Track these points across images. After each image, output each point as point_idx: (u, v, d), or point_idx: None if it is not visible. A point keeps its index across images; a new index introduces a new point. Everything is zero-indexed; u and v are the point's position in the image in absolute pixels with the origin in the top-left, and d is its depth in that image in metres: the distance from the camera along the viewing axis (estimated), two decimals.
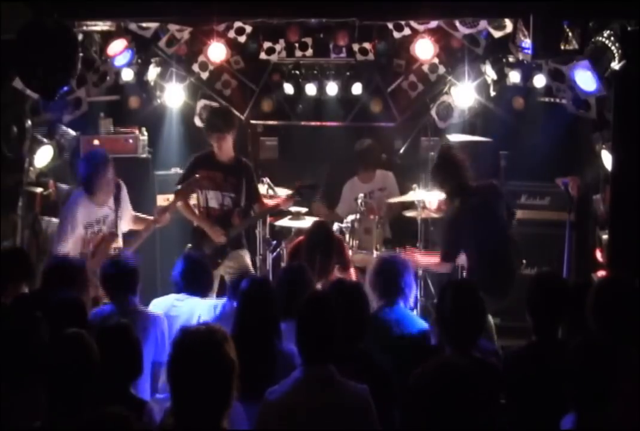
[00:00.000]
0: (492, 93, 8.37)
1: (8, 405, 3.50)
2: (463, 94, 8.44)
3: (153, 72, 8.31)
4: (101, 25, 6.73)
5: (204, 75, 8.74)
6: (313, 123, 9.28)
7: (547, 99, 7.96)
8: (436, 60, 8.46)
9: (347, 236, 7.22)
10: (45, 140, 6.85)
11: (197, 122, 8.84)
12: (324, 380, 3.57)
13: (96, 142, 7.87)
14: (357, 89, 8.85)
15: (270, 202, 7.00)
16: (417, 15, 6.78)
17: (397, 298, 4.87)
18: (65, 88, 6.11)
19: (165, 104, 8.76)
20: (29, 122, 6.54)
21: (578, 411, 3.32)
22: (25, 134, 6.50)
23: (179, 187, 6.72)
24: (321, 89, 8.91)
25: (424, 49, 7.87)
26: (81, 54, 6.01)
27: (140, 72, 8.14)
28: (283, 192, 7.72)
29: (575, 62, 6.32)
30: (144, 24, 7.18)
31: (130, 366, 3.80)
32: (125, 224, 6.46)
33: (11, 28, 5.62)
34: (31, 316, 3.80)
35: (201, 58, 8.53)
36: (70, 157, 7.31)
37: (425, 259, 6.48)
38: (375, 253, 7.29)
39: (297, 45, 8.50)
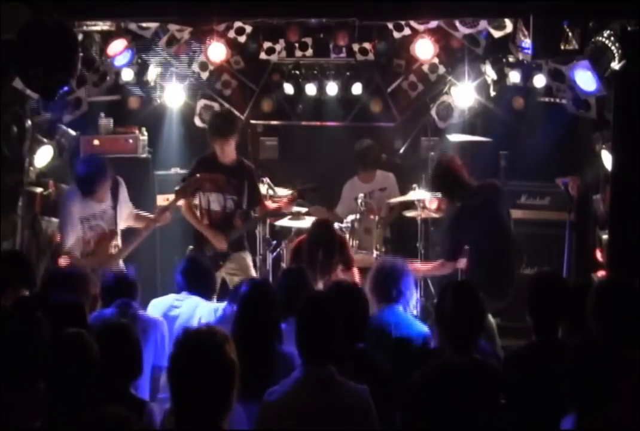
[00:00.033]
0: (492, 93, 8.38)
1: (8, 405, 3.50)
2: (463, 94, 8.44)
3: (153, 72, 8.31)
4: (101, 25, 6.73)
5: (204, 75, 8.74)
6: (313, 123, 9.28)
7: (547, 99, 7.96)
8: (436, 60, 8.46)
9: (347, 236, 7.22)
10: (45, 140, 6.86)
11: (197, 122, 8.84)
12: (324, 380, 3.57)
13: (96, 142, 7.87)
14: (357, 89, 8.85)
15: (272, 205, 6.99)
16: (417, 15, 6.78)
17: (396, 302, 4.88)
18: (65, 88, 6.12)
19: (165, 104, 8.76)
20: (29, 122, 6.53)
21: (578, 411, 3.32)
22: (25, 134, 6.50)
23: (178, 187, 6.71)
24: (321, 89, 8.91)
25: (424, 49, 7.86)
26: (81, 54, 6.01)
27: (140, 72, 8.15)
28: (283, 192, 7.74)
29: (575, 62, 6.32)
30: (144, 24, 7.17)
31: (130, 366, 3.80)
32: (124, 222, 6.47)
33: (11, 28, 5.62)
34: (32, 317, 3.80)
35: (201, 58, 8.53)
36: (70, 157, 7.31)
37: (425, 267, 6.49)
38: (375, 254, 7.30)
39: (297, 45, 8.49)
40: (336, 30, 8.09)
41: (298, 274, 5.03)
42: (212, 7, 5.87)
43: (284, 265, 7.47)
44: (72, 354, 3.33)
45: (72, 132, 7.19)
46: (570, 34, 5.82)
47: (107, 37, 7.05)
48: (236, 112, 9.00)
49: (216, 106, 8.85)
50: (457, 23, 7.08)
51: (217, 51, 8.01)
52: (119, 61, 7.38)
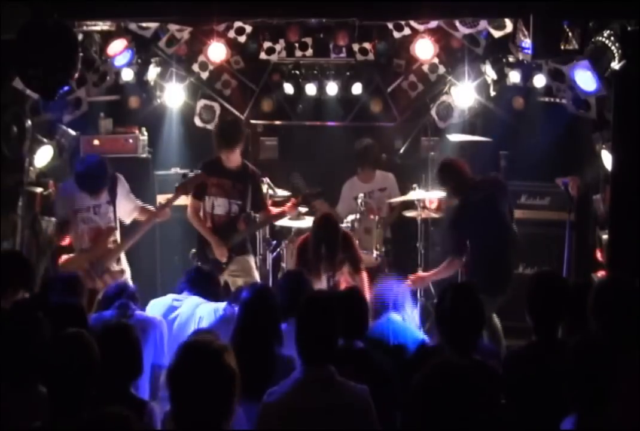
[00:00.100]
0: (492, 93, 8.37)
1: (8, 405, 3.50)
2: (463, 94, 8.45)
3: (153, 72, 8.30)
4: (101, 25, 6.72)
5: (204, 75, 8.74)
6: (313, 123, 9.28)
7: (547, 99, 7.96)
8: (436, 60, 8.46)
9: None
10: (45, 140, 6.86)
11: (197, 122, 8.84)
12: (324, 380, 3.57)
13: (96, 142, 7.88)
14: (357, 89, 8.86)
15: (275, 209, 6.99)
16: (417, 15, 6.78)
17: (394, 310, 4.92)
18: (65, 88, 6.11)
19: (165, 104, 8.75)
20: (29, 122, 6.54)
21: (578, 411, 3.32)
22: (25, 134, 6.50)
23: (178, 183, 6.72)
24: (321, 89, 8.91)
25: (424, 49, 7.87)
26: (81, 54, 6.00)
27: (140, 72, 8.14)
28: (283, 192, 7.75)
29: (575, 62, 6.32)
30: (144, 24, 7.18)
31: (130, 366, 3.80)
32: (127, 216, 6.50)
33: (11, 28, 5.62)
34: (33, 317, 3.80)
35: (201, 58, 8.53)
36: (70, 157, 7.31)
37: (432, 272, 6.48)
38: (375, 253, 7.30)
39: (297, 45, 8.50)
40: (336, 30, 8.09)
41: (298, 276, 5.04)
42: (212, 7, 5.86)
43: (284, 265, 7.48)
44: (72, 354, 3.33)
45: (72, 132, 7.20)
46: (570, 34, 5.82)
47: (107, 37, 7.05)
48: (236, 112, 9.01)
49: (216, 106, 8.85)
50: (457, 23, 7.09)
51: (217, 51, 8.02)
52: (119, 61, 7.38)
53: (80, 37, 6.39)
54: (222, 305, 5.19)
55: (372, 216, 7.50)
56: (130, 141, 8.07)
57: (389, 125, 9.15)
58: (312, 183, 8.12)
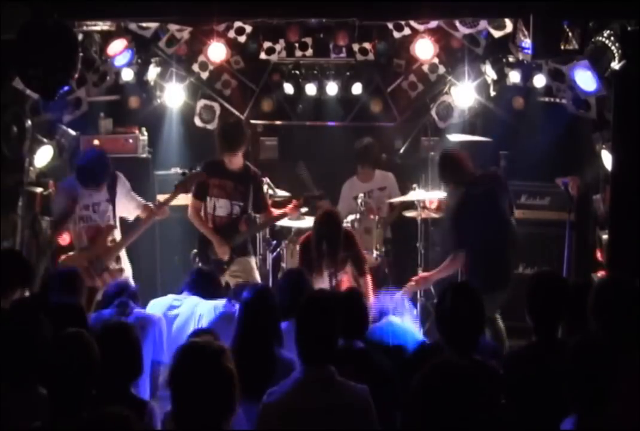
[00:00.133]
0: (492, 93, 8.38)
1: (8, 405, 3.50)
2: (463, 94, 8.45)
3: (153, 72, 8.30)
4: (101, 25, 6.72)
5: (204, 75, 8.74)
6: (313, 123, 9.28)
7: (547, 99, 7.96)
8: (436, 60, 8.46)
9: None
10: (45, 140, 6.86)
11: (197, 122, 8.84)
12: (324, 380, 3.57)
13: (96, 142, 7.87)
14: (357, 89, 8.86)
15: (277, 211, 6.99)
16: (417, 15, 6.78)
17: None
18: (65, 88, 6.11)
19: (165, 104, 8.75)
20: (29, 122, 6.54)
21: (578, 411, 3.32)
22: (25, 134, 6.50)
23: (177, 181, 6.72)
24: (321, 89, 8.91)
25: (424, 49, 7.87)
26: (81, 54, 6.01)
27: (140, 72, 8.14)
28: (283, 192, 7.75)
29: (575, 62, 6.32)
30: (144, 24, 7.18)
31: (130, 366, 3.80)
32: (130, 214, 6.53)
33: (11, 28, 5.62)
34: (33, 317, 3.80)
35: (201, 58, 8.53)
36: (70, 157, 7.31)
37: (435, 271, 6.46)
38: (375, 253, 7.30)
39: (297, 45, 8.50)
40: (336, 30, 8.09)
41: (298, 275, 5.04)
42: (212, 7, 5.86)
43: (284, 265, 7.48)
44: (72, 354, 3.33)
45: (72, 132, 7.19)
46: (570, 34, 5.81)
47: (107, 37, 7.05)
48: (236, 112, 9.01)
49: (216, 106, 8.85)
50: (457, 23, 7.09)
51: (217, 51, 8.02)
52: (119, 61, 7.38)
53: (80, 37, 6.39)
54: (221, 302, 5.20)
55: (372, 216, 7.51)
56: (130, 141, 8.08)
57: (389, 125, 9.15)
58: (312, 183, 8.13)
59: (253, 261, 6.98)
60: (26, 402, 3.53)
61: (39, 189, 6.81)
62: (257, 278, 6.87)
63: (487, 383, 3.70)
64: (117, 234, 6.43)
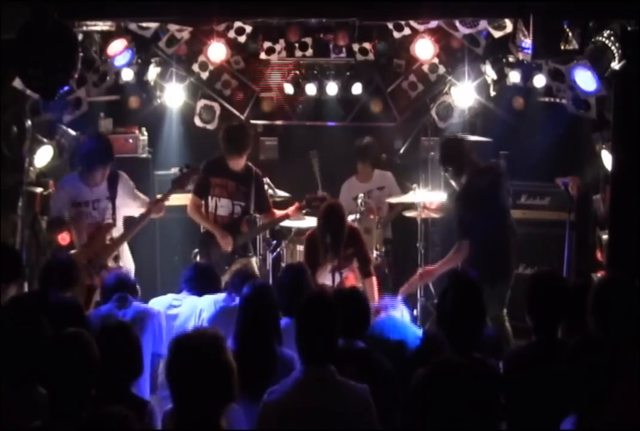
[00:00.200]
0: (492, 93, 8.38)
1: (8, 405, 3.50)
2: (463, 94, 8.45)
3: (153, 72, 8.30)
4: (101, 25, 6.72)
5: (204, 75, 8.74)
6: (313, 123, 9.28)
7: (547, 99, 7.96)
8: (436, 60, 8.47)
9: None
10: (45, 140, 6.86)
11: (197, 122, 8.85)
12: (324, 380, 3.57)
13: None
14: (357, 89, 8.86)
15: (279, 212, 6.99)
16: (417, 15, 6.78)
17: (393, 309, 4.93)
18: (65, 88, 6.12)
19: (165, 104, 8.76)
20: (29, 122, 6.54)
21: (578, 411, 3.32)
22: (25, 134, 6.50)
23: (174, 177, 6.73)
24: (321, 89, 8.91)
25: (424, 49, 7.87)
26: (81, 54, 6.01)
27: (140, 72, 8.14)
28: (283, 193, 7.75)
29: (575, 62, 6.32)
30: (144, 24, 7.18)
31: (130, 366, 3.80)
32: (133, 212, 6.53)
33: (11, 28, 5.62)
34: (33, 317, 3.80)
35: (201, 58, 8.53)
36: (70, 157, 7.31)
37: (439, 263, 6.42)
38: (375, 254, 7.30)
39: (297, 45, 8.50)
40: (336, 30, 8.10)
41: (297, 272, 5.04)
42: (212, 7, 5.86)
43: (283, 265, 7.48)
44: (71, 354, 3.33)
45: (72, 132, 7.19)
46: (570, 34, 5.81)
47: (107, 37, 7.05)
48: (236, 112, 9.01)
49: (216, 106, 8.86)
50: (457, 23, 7.09)
51: (217, 51, 8.02)
52: (119, 61, 7.38)
53: (80, 37, 6.39)
54: (221, 296, 5.20)
55: (372, 216, 7.51)
56: (130, 141, 8.08)
57: (389, 125, 9.16)
58: (312, 183, 8.12)
59: (254, 261, 6.99)
60: (26, 402, 3.53)
61: (39, 189, 6.81)
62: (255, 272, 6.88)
63: (486, 381, 3.71)
64: (116, 233, 6.43)
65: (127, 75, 8.00)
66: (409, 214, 7.80)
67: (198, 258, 6.90)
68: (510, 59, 7.83)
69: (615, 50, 6.01)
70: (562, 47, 5.79)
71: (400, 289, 6.27)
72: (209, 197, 6.82)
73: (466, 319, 3.95)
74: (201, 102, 8.86)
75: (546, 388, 3.76)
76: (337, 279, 6.07)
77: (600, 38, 6.09)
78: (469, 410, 2.93)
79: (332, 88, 8.85)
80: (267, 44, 8.59)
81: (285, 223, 7.47)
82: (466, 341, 3.95)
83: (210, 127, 8.79)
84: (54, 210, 6.44)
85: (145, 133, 8.34)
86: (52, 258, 5.62)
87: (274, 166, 8.83)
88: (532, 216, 7.93)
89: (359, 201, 7.53)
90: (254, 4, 6.00)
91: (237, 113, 9.03)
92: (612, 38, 6.03)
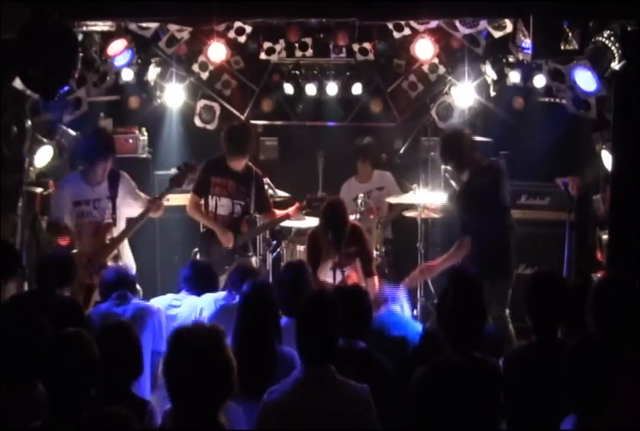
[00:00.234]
0: (492, 93, 8.37)
1: (8, 405, 3.50)
2: (463, 94, 8.45)
3: (153, 72, 8.30)
4: (101, 25, 6.72)
5: (204, 75, 8.74)
6: (313, 123, 9.28)
7: (547, 99, 7.96)
8: (436, 60, 8.47)
9: None
10: (45, 140, 6.85)
11: (197, 122, 8.85)
12: (324, 380, 3.57)
13: None
14: (357, 89, 8.86)
15: (279, 212, 6.99)
16: (417, 15, 6.78)
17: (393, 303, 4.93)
18: (65, 88, 6.12)
19: (165, 104, 8.75)
20: (29, 122, 6.53)
21: (578, 411, 3.32)
22: (25, 134, 6.50)
23: (170, 176, 6.72)
24: (321, 89, 8.92)
25: (424, 49, 7.87)
26: (81, 54, 6.01)
27: (140, 72, 8.14)
28: (283, 193, 7.74)
29: (575, 62, 6.32)
30: (144, 24, 7.17)
31: (130, 365, 3.80)
32: (135, 212, 6.51)
33: (11, 28, 5.62)
34: (33, 317, 3.80)
35: (201, 58, 8.53)
36: (70, 157, 7.32)
37: (441, 259, 6.41)
38: (375, 254, 7.30)
39: (297, 45, 8.51)
40: (336, 30, 8.10)
41: (297, 270, 5.03)
42: (212, 7, 5.86)
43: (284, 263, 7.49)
44: (71, 354, 3.33)
45: (72, 132, 7.19)
46: (570, 34, 5.81)
47: (107, 37, 7.05)
48: (236, 113, 9.01)
49: (216, 106, 8.86)
50: (457, 23, 7.08)
51: (217, 51, 8.02)
52: (119, 61, 7.37)
53: (80, 37, 6.38)
54: (222, 295, 5.20)
55: (371, 216, 7.51)
56: (130, 141, 8.08)
57: (389, 125, 9.16)
58: (312, 183, 8.13)
59: (254, 261, 6.99)
60: (26, 402, 3.53)
61: (39, 189, 6.81)
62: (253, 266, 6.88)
63: (486, 382, 3.71)
64: (117, 233, 6.44)
65: (127, 75, 8.00)
66: (409, 214, 7.80)
67: (198, 257, 6.90)
68: (510, 59, 7.83)
69: (615, 51, 6.01)
70: (562, 47, 5.79)
71: (401, 284, 6.26)
72: (209, 197, 6.82)
73: (466, 319, 3.96)
74: (201, 102, 8.86)
75: (546, 387, 3.76)
76: (339, 276, 6.07)
77: (600, 38, 6.09)
78: (468, 410, 2.93)
79: (332, 88, 8.85)
80: (267, 44, 8.59)
81: (286, 223, 7.47)
82: (466, 340, 3.95)
83: (210, 127, 8.79)
84: (54, 210, 6.44)
85: (145, 133, 8.34)
86: (48, 254, 5.60)
87: (274, 166, 8.83)
88: (532, 216, 7.93)
89: (359, 201, 7.53)
90: (254, 4, 6.01)
91: (237, 113, 9.03)
92: (612, 38, 6.02)
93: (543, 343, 4.03)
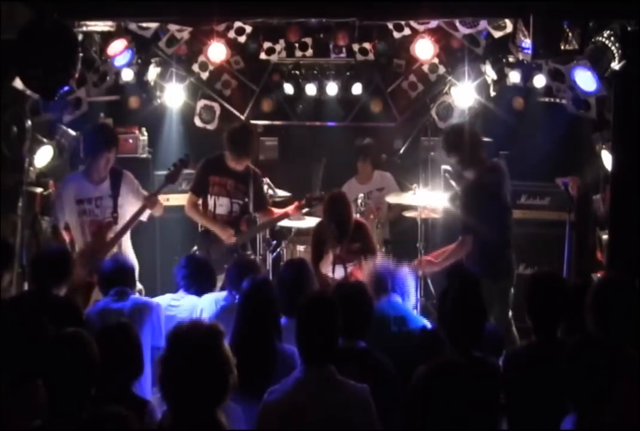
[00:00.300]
0: (492, 93, 8.38)
1: (8, 405, 3.50)
2: (463, 94, 8.45)
3: (153, 72, 8.30)
4: (101, 26, 6.72)
5: (204, 75, 8.74)
6: (313, 123, 9.29)
7: (547, 99, 7.96)
8: (436, 60, 8.47)
9: None
10: (45, 140, 6.85)
11: (197, 122, 8.85)
12: (324, 380, 3.58)
13: None
14: (357, 89, 8.86)
15: (278, 211, 7.00)
16: (417, 15, 6.78)
17: (393, 292, 4.92)
18: (65, 88, 6.12)
19: (165, 104, 8.76)
20: (29, 122, 6.53)
21: (578, 411, 3.32)
22: (25, 134, 6.49)
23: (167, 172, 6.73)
24: (321, 89, 8.92)
25: (424, 49, 7.87)
26: (81, 54, 6.01)
27: (140, 72, 8.14)
28: (283, 193, 7.75)
29: (575, 62, 6.32)
30: (144, 24, 7.17)
31: (130, 365, 3.80)
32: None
33: (11, 28, 5.62)
34: (33, 316, 3.80)
35: (201, 58, 8.53)
36: (70, 157, 7.32)
37: (442, 254, 6.38)
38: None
39: (297, 45, 8.51)
40: (336, 30, 8.10)
41: (299, 268, 5.03)
42: (212, 7, 5.86)
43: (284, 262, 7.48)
44: (71, 354, 3.33)
45: (72, 132, 7.19)
46: (570, 34, 5.81)
47: (107, 37, 7.04)
48: (236, 113, 9.01)
49: (216, 106, 8.86)
50: (457, 23, 7.08)
51: (217, 51, 8.02)
52: (119, 61, 7.37)
53: (80, 37, 6.38)
54: (222, 295, 5.20)
55: (371, 217, 7.51)
56: (130, 141, 8.08)
57: (389, 125, 9.16)
58: (311, 183, 8.13)
59: None
60: (26, 402, 3.53)
61: (39, 189, 6.80)
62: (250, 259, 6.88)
63: (486, 381, 3.71)
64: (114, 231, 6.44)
65: (127, 75, 8.00)
66: (409, 214, 7.80)
67: None
68: (510, 59, 7.83)
69: (615, 51, 6.01)
70: (562, 47, 5.79)
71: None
72: (208, 196, 6.82)
73: (466, 319, 3.96)
74: (201, 102, 8.86)
75: (546, 387, 3.76)
76: (341, 272, 6.07)
77: (600, 38, 6.08)
78: (469, 410, 2.93)
79: (332, 88, 8.86)
80: (267, 44, 8.59)
81: (286, 223, 7.48)
82: (466, 340, 3.95)
83: (210, 127, 8.80)
84: (56, 209, 6.44)
85: (145, 133, 8.34)
86: (41, 251, 5.61)
87: (274, 166, 8.83)
88: (532, 216, 7.94)
89: (359, 201, 7.53)
90: (254, 4, 6.00)
91: (237, 113, 9.03)
92: (612, 38, 6.02)
93: (543, 343, 4.03)
